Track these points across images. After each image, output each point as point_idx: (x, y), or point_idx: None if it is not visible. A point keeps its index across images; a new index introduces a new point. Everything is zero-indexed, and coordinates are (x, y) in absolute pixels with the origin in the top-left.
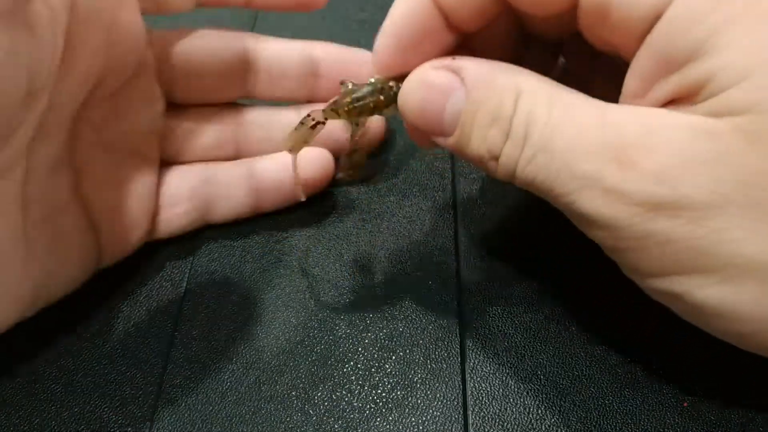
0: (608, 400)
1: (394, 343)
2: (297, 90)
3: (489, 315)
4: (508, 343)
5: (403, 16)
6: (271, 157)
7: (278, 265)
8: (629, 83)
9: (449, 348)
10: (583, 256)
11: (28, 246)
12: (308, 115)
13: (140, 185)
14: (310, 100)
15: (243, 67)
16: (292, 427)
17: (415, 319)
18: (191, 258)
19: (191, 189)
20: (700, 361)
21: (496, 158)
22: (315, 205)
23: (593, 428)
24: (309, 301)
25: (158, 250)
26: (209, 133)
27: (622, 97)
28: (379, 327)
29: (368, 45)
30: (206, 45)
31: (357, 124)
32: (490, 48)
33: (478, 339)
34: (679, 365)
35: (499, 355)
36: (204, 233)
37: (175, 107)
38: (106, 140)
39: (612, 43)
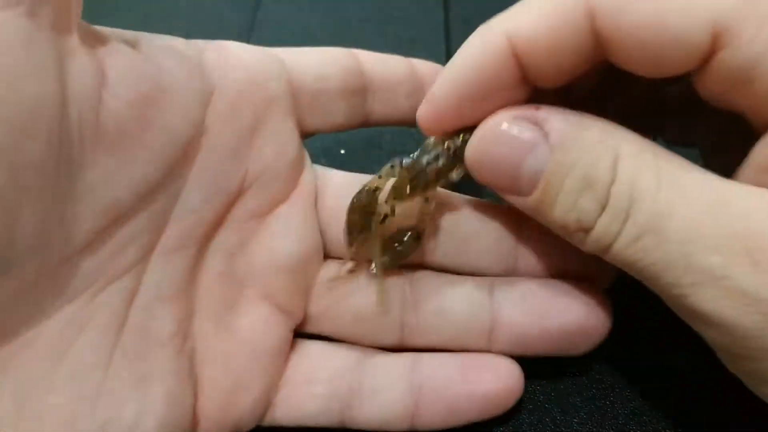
0: (609, 401)
1: None
2: (409, 111)
3: None
4: None
5: (471, 65)
6: (443, 355)
7: None
8: (759, 154)
9: None
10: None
11: (108, 378)
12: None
13: (266, 340)
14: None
15: (361, 83)
16: (291, 428)
17: None
18: None
19: (335, 369)
20: (701, 362)
21: (587, 230)
22: None
23: (594, 429)
24: None
25: None
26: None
27: (746, 168)
28: None
29: (368, 45)
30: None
31: (427, 200)
32: (566, 97)
33: None
34: (681, 366)
35: None
36: None
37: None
38: (235, 273)
39: (742, 106)
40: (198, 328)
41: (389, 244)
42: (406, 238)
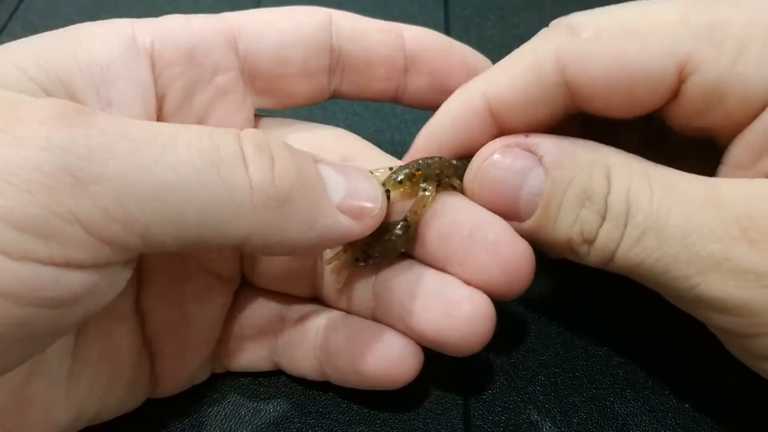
0: (609, 401)
1: None
2: (385, 88)
3: None
4: (508, 343)
5: (451, 125)
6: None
7: None
8: (736, 154)
9: None
10: None
11: (76, 361)
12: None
13: (208, 306)
14: (395, 100)
15: (330, 57)
16: (291, 428)
17: None
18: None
19: (264, 322)
20: (701, 362)
21: (590, 241)
22: None
23: (594, 429)
24: None
25: None
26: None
27: (724, 168)
28: None
29: None
30: (287, 36)
31: (425, 191)
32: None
33: None
34: (681, 366)
35: (499, 355)
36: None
37: None
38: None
39: (713, 125)
40: (149, 301)
41: (378, 235)
42: (398, 229)
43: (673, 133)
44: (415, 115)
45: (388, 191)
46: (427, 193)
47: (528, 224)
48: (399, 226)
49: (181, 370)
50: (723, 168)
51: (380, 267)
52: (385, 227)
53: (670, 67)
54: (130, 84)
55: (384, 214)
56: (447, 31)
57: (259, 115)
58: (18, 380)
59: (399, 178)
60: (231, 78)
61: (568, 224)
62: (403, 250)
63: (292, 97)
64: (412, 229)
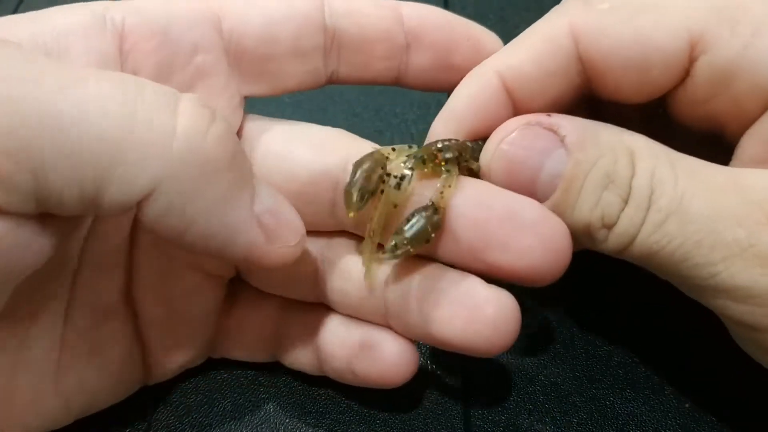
0: (609, 401)
1: None
2: (386, 68)
3: None
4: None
5: (467, 103)
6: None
7: None
8: (749, 149)
9: None
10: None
11: (64, 354)
12: (386, 173)
13: (199, 302)
14: (397, 82)
15: (324, 36)
16: (291, 429)
17: None
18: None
19: (264, 319)
20: (701, 362)
21: (610, 226)
22: None
23: (594, 429)
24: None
25: None
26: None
27: (736, 163)
28: None
29: None
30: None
31: (448, 171)
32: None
33: None
34: (681, 367)
35: (499, 355)
36: None
37: None
38: (164, 245)
39: (720, 114)
40: (138, 296)
41: (406, 222)
42: (425, 213)
43: (678, 129)
44: (415, 115)
45: (411, 169)
46: (452, 173)
47: (546, 206)
48: (426, 210)
49: (174, 360)
50: (735, 163)
51: (401, 263)
52: (409, 215)
53: (681, 44)
54: (90, 54)
55: (298, 255)
56: None
57: (249, 114)
58: (3, 372)
59: (422, 157)
60: (213, 59)
61: (588, 208)
62: (433, 235)
63: (284, 81)
64: (440, 212)
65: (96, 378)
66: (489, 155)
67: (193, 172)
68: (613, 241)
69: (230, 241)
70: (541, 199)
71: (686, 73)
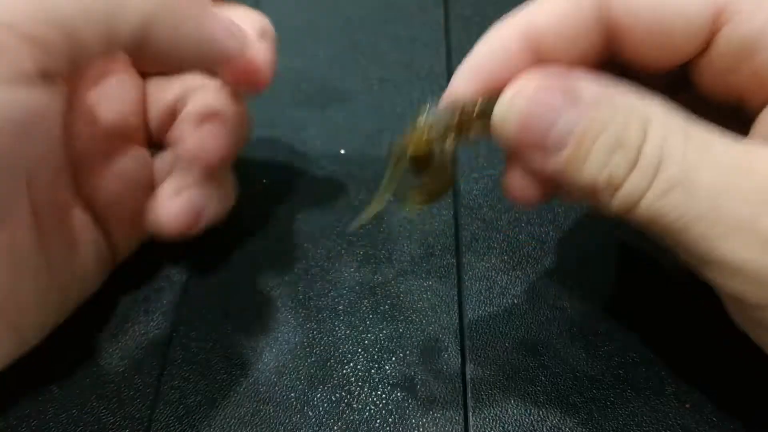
0: (609, 401)
1: (394, 345)
2: None
3: (490, 318)
4: (509, 344)
5: (488, 56)
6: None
7: (276, 266)
8: (766, 123)
9: (449, 348)
10: (586, 255)
11: (46, 254)
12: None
13: (134, 166)
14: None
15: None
16: (291, 429)
17: (414, 320)
18: (189, 256)
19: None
20: (701, 362)
21: (616, 187)
22: (314, 206)
23: (594, 429)
24: (308, 302)
25: (155, 250)
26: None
27: (753, 137)
28: (379, 328)
29: (368, 44)
30: None
31: (457, 138)
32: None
33: (479, 339)
34: (681, 366)
35: (499, 355)
36: (201, 239)
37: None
38: (99, 130)
39: (741, 86)
40: (90, 179)
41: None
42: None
43: (699, 102)
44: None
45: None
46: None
47: (557, 160)
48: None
49: (134, 230)
50: (751, 138)
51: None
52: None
53: (705, 12)
54: None
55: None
56: (447, 31)
57: None
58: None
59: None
60: None
61: (596, 167)
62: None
63: None
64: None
65: (76, 267)
66: (504, 107)
67: None
68: (617, 203)
69: (214, 45)
70: (551, 155)
71: (708, 43)
